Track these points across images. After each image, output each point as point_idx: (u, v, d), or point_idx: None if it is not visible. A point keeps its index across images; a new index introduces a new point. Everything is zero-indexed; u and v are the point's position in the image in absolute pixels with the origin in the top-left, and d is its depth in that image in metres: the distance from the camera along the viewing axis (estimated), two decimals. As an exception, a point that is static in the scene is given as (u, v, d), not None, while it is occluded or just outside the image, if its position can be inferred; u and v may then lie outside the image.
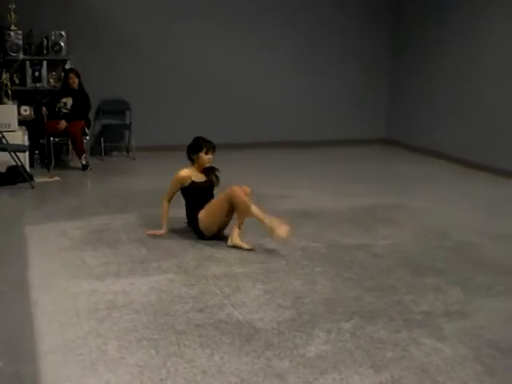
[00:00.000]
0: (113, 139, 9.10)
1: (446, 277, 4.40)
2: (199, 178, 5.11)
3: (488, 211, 6.32)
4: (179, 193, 5.16)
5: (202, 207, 5.02)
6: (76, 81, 8.04)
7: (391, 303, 3.89)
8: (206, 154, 5.05)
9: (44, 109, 8.07)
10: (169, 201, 5.14)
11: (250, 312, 3.73)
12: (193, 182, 5.06)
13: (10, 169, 7.03)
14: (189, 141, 5.22)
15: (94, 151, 8.93)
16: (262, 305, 3.84)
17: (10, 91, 7.84)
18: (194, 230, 5.12)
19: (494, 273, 4.52)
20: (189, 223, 5.19)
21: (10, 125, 7.43)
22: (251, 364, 3.11)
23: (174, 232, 5.23)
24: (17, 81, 8.28)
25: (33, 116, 8.30)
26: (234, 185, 4.88)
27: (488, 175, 7.94)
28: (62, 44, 8.35)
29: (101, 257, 4.67)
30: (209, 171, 5.17)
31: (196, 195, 5.08)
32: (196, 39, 9.14)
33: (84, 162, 7.94)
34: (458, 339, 3.43)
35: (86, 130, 8.25)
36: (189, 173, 5.08)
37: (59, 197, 6.77)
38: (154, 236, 5.14)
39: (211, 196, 5.12)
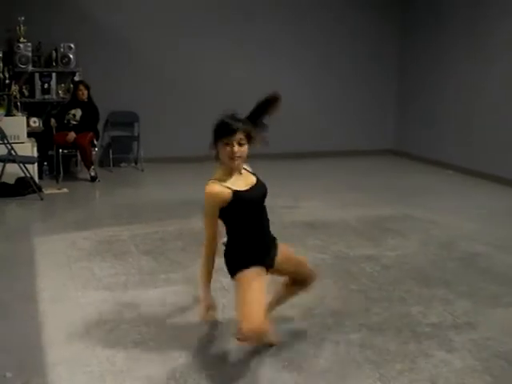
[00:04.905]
0: (121, 151, 9.15)
1: (454, 288, 4.39)
2: (238, 184, 3.11)
3: (496, 221, 6.31)
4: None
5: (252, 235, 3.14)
6: (85, 93, 8.08)
7: (399, 315, 3.88)
8: (227, 144, 3.02)
9: (53, 120, 8.12)
10: (211, 244, 3.07)
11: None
12: (235, 194, 3.03)
13: (19, 180, 7.07)
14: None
15: (103, 163, 8.97)
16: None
17: (19, 103, 7.89)
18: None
19: (503, 283, 4.51)
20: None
21: (19, 136, 7.44)
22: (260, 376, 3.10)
23: (183, 244, 5.23)
24: (26, 93, 8.33)
25: (42, 128, 8.34)
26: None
27: (495, 185, 7.93)
28: (71, 56, 8.40)
29: (109, 268, 4.69)
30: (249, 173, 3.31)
31: (243, 214, 3.10)
32: (204, 52, 9.17)
33: (92, 174, 7.98)
34: (467, 351, 3.42)
35: (95, 142, 8.29)
36: (220, 185, 3.03)
37: (68, 208, 6.80)
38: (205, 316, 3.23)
39: (264, 214, 3.24)
